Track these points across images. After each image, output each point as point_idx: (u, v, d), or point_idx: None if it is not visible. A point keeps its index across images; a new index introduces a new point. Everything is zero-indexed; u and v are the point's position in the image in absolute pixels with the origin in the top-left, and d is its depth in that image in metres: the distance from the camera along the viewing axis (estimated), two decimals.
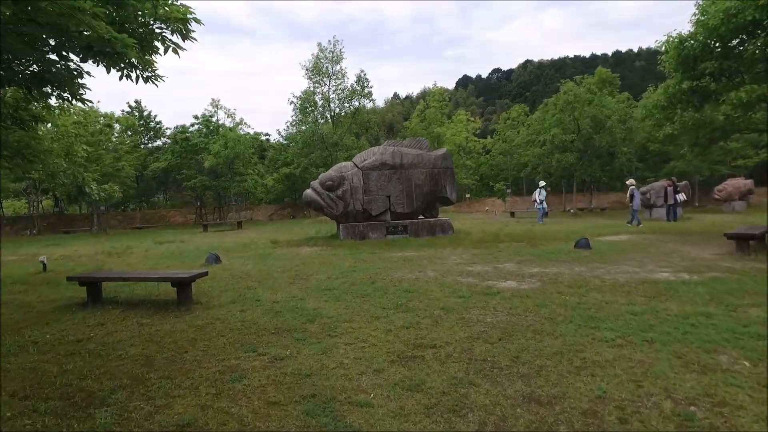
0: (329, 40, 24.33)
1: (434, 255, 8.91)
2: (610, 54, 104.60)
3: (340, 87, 24.83)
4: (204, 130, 26.98)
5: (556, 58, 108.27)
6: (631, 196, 14.60)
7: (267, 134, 29.82)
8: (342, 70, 24.75)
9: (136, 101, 34.94)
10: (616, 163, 21.91)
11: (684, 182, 17.13)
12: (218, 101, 32.85)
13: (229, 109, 30.89)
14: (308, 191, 12.17)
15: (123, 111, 34.34)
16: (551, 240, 10.94)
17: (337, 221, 12.56)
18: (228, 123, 31.85)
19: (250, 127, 29.63)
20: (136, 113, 34.45)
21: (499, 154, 37.69)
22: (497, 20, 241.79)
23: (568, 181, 27.12)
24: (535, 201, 16.66)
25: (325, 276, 6.94)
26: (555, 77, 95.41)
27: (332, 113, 25.56)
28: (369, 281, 6.35)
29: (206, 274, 5.49)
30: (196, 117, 28.27)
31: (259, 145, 29.70)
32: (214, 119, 27.76)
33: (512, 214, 21.30)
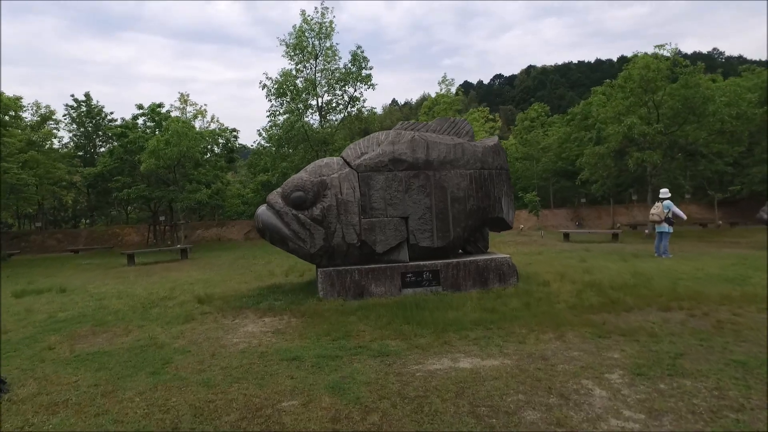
0: (315, 8, 19.31)
1: (532, 369, 3.89)
2: (615, 59, 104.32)
3: (329, 68, 19.84)
4: (151, 123, 21.84)
5: (560, 63, 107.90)
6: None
7: (235, 130, 24.62)
8: (333, 47, 19.81)
9: (86, 94, 29.79)
10: (702, 165, 16.92)
11: None
12: (187, 95, 27.96)
13: (200, 105, 25.90)
14: (261, 210, 7.10)
15: (65, 105, 29.34)
16: (714, 301, 5.89)
17: (315, 264, 7.43)
18: (198, 122, 26.82)
19: (221, 124, 24.65)
20: (84, 108, 29.33)
21: (518, 159, 32.77)
22: (495, 29, 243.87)
23: (624, 189, 22.07)
24: (661, 220, 10.92)
25: None
26: (560, 82, 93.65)
27: (320, 100, 20.43)
28: None
29: None
30: (140, 107, 23.04)
31: (225, 145, 24.48)
32: (163, 110, 22.51)
33: (566, 236, 16.17)
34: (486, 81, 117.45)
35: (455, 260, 7.33)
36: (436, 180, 7.29)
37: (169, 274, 11.11)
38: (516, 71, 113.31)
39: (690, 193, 25.39)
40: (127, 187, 20.28)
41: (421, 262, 7.20)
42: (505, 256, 7.69)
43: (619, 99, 15.77)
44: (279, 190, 7.20)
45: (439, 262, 7.24)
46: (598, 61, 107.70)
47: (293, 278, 9.61)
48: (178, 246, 15.52)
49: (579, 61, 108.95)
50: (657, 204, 11.14)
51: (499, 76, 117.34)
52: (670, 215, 10.99)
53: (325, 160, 7.49)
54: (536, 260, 10.99)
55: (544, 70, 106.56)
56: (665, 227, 11.03)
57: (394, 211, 7.10)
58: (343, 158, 7.43)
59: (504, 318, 5.53)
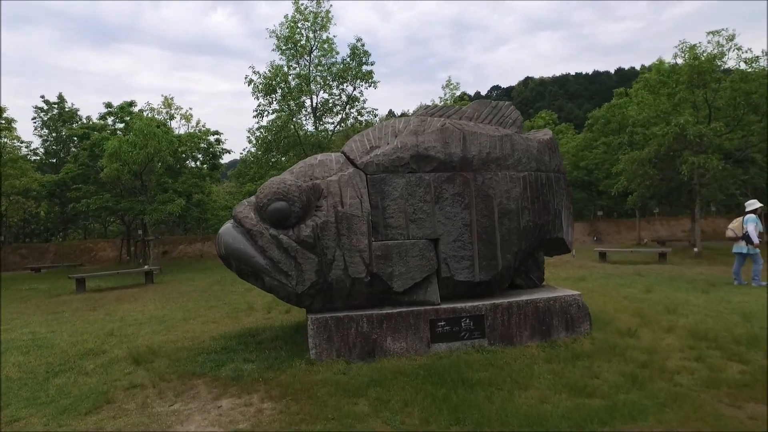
0: None
1: None
2: (612, 71, 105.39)
3: (325, 64, 17.86)
4: (121, 124, 19.67)
5: (557, 75, 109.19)
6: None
7: (218, 133, 22.42)
8: (329, 39, 17.85)
9: (59, 96, 27.70)
10: (751, 172, 14.99)
11: None
12: (171, 98, 25.84)
13: (186, 110, 23.80)
14: (225, 229, 4.94)
15: (34, 107, 27.18)
16: None
17: (303, 307, 5.22)
18: (182, 127, 24.65)
19: (208, 129, 22.42)
20: (55, 109, 27.18)
21: None
22: (490, 42, 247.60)
23: (657, 200, 20.06)
24: (737, 237, 8.93)
25: None
26: (559, 93, 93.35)
27: (314, 99, 18.36)
28: None
29: None
30: (108, 105, 20.88)
31: (207, 150, 22.29)
32: (135, 109, 20.35)
33: (603, 255, 14.08)
34: (483, 93, 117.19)
35: (506, 300, 5.19)
36: (478, 185, 5.17)
37: (119, 308, 8.86)
38: (513, 83, 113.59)
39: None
40: (87, 196, 17.95)
41: (459, 305, 5.05)
42: (573, 293, 5.56)
43: (663, 96, 13.85)
44: (252, 199, 5.08)
45: (484, 303, 5.10)
46: (596, 73, 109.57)
47: (277, 315, 7.43)
48: (145, 267, 13.25)
49: (577, 73, 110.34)
50: (739, 218, 9.06)
51: (496, 88, 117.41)
52: (748, 232, 8.89)
53: (320, 157, 5.37)
54: (586, 289, 8.84)
55: (542, 82, 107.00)
56: (743, 247, 8.93)
57: (418, 230, 4.97)
58: (345, 154, 5.31)
59: (615, 410, 3.38)
